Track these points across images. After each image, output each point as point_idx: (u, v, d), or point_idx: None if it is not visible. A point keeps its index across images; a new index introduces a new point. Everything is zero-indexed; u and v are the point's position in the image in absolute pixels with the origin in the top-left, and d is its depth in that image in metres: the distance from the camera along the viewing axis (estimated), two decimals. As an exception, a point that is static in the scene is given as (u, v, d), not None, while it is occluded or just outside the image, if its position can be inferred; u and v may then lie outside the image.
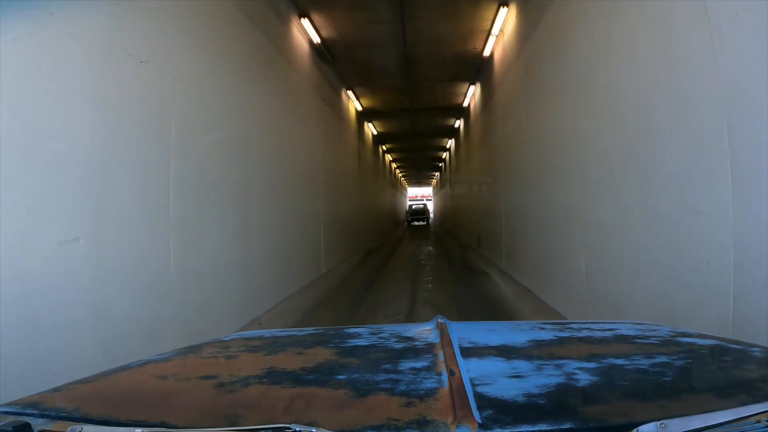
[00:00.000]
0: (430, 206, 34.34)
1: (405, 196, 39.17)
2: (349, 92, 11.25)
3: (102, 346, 2.39)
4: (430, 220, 30.08)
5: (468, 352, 1.00)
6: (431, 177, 36.38)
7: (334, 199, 9.16)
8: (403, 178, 35.30)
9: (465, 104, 12.55)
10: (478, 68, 9.61)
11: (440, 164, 27.30)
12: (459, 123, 15.08)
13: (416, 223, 28.18)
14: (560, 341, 1.18)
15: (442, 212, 29.41)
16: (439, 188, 32.57)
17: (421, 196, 42.35)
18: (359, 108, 12.80)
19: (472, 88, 11.18)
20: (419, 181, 39.43)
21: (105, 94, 2.50)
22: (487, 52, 8.44)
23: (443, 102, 12.69)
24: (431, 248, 13.86)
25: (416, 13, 6.89)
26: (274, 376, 0.96)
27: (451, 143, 19.08)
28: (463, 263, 10.03)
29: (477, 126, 11.23)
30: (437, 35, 7.81)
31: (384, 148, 20.40)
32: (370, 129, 15.73)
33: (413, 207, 29.61)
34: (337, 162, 9.90)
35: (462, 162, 15.28)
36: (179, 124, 3.19)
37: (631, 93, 3.03)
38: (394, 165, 26.97)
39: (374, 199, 17.06)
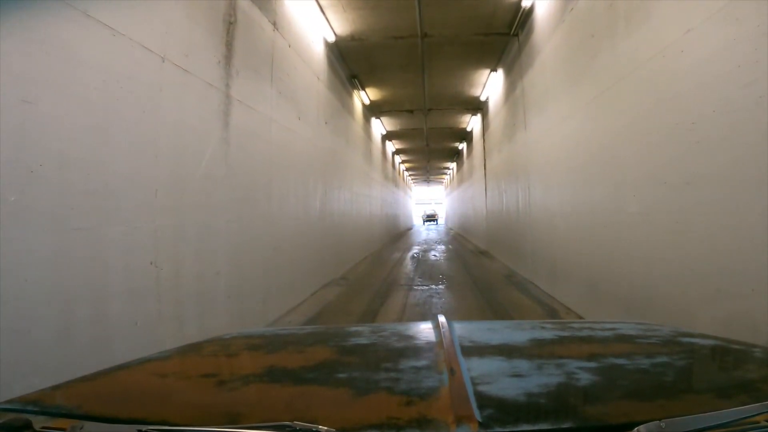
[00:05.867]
0: (441, 211, 38.13)
1: (410, 197, 33.04)
2: None
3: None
4: (441, 230, 30.17)
5: (469, 351, 1.00)
6: (443, 172, 28.15)
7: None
8: (406, 173, 27.21)
9: None
10: None
11: (460, 146, 18.30)
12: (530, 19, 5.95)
13: (428, 223, 34.99)
14: (561, 341, 1.18)
15: (465, 225, 18.82)
16: (456, 184, 23.11)
17: (428, 199, 41.43)
18: None
19: None
20: (428, 179, 33.26)
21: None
22: None
23: None
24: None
25: None
26: (274, 375, 0.97)
27: (495, 88, 9.96)
28: None
29: None
30: None
31: (365, 100, 11.38)
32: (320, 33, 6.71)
33: (427, 212, 35.98)
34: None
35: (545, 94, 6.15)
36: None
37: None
38: (391, 148, 17.97)
39: (340, 195, 8.19)
